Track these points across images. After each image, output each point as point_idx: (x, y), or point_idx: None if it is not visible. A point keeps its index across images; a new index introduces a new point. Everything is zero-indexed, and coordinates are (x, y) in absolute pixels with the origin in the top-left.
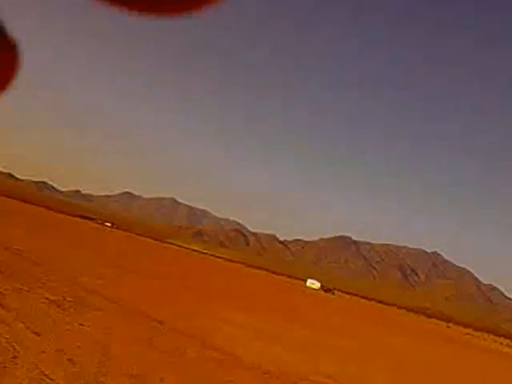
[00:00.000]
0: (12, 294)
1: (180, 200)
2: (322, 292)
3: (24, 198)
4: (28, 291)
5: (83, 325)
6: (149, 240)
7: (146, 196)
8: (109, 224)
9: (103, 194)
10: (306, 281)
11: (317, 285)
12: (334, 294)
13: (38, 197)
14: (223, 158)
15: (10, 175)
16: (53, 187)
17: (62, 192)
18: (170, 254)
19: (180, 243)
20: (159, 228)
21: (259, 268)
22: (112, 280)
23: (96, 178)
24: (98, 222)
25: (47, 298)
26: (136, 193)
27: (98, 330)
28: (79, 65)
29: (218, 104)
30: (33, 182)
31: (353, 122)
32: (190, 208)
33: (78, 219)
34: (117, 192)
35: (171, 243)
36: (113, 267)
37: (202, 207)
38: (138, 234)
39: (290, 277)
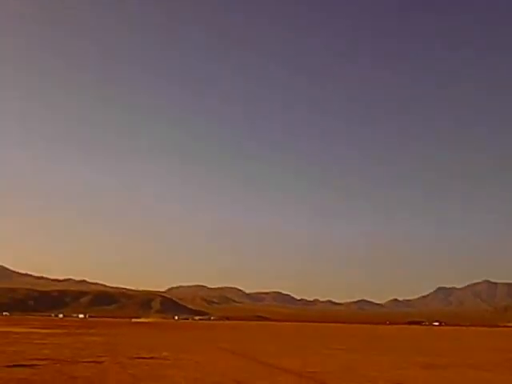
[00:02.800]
0: None
1: (495, 280)
2: None
3: (345, 320)
4: None
5: None
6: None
7: (460, 286)
8: (436, 323)
9: (418, 296)
10: None
11: None
12: None
13: (360, 315)
14: None
15: (330, 301)
16: (371, 302)
17: (381, 305)
18: None
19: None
20: (489, 312)
21: None
22: None
23: (410, 282)
24: (425, 324)
25: None
26: (448, 286)
27: None
28: None
29: None
30: (352, 302)
31: None
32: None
33: (403, 326)
34: (430, 291)
35: (497, 325)
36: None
37: None
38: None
39: None
